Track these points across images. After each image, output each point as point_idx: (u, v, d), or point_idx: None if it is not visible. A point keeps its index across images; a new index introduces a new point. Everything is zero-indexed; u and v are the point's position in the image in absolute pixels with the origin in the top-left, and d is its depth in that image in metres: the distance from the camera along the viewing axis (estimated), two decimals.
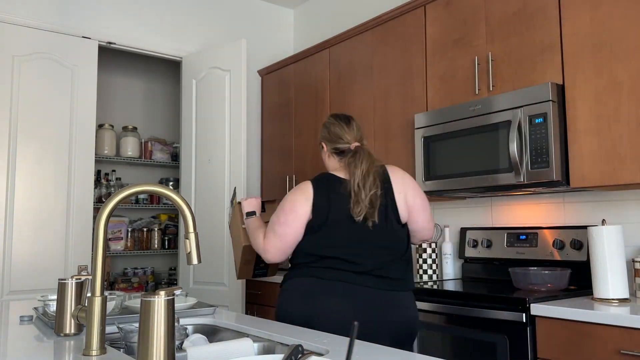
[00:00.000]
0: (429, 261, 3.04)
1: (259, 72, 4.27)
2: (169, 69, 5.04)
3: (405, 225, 1.92)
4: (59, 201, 3.31)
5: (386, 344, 1.74)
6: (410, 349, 1.90)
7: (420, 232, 1.99)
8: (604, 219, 2.13)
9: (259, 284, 3.49)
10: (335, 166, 2.01)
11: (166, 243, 4.59)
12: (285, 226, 1.86)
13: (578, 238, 2.48)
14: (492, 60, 2.60)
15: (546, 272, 2.30)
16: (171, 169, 4.93)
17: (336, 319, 1.74)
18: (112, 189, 4.39)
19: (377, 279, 1.80)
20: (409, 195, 1.91)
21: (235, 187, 2.87)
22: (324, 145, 2.04)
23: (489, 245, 2.83)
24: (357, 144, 1.98)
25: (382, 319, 1.77)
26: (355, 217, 1.82)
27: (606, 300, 2.03)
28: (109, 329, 1.56)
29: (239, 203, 2.17)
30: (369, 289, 1.78)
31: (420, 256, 3.05)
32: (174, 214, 4.78)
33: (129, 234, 4.42)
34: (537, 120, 2.31)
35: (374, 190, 1.83)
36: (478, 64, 2.66)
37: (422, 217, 1.95)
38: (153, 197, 4.60)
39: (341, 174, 1.92)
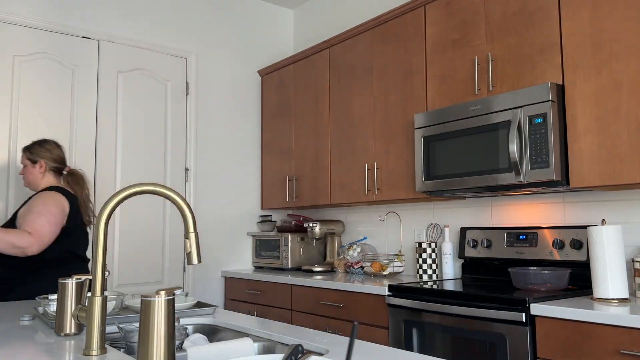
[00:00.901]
0: (429, 261, 3.04)
1: (259, 72, 4.27)
2: None
3: None
4: None
5: None
6: None
7: None
8: (603, 219, 2.13)
9: (260, 283, 3.49)
10: (53, 182, 2.59)
11: None
12: (54, 226, 2.40)
13: (578, 238, 2.48)
14: (492, 60, 2.61)
15: (546, 272, 2.30)
16: None
17: None
18: None
19: None
20: None
21: None
22: (44, 164, 2.56)
23: (489, 245, 2.83)
24: (69, 166, 2.66)
25: None
26: (87, 223, 2.60)
27: (606, 300, 2.04)
28: (109, 328, 1.56)
29: None
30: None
31: (420, 256, 3.05)
32: None
33: None
34: (536, 120, 2.31)
35: (91, 204, 2.68)
36: (478, 64, 2.66)
37: None
38: None
39: (69, 189, 2.57)
